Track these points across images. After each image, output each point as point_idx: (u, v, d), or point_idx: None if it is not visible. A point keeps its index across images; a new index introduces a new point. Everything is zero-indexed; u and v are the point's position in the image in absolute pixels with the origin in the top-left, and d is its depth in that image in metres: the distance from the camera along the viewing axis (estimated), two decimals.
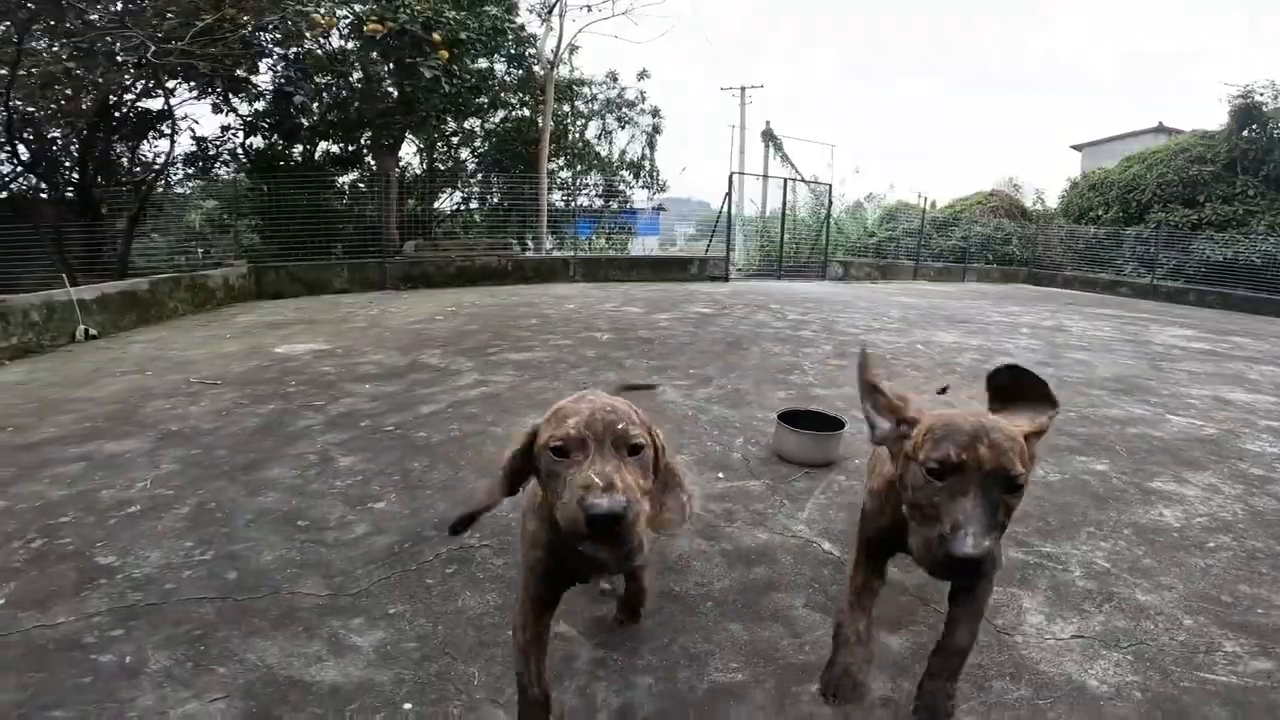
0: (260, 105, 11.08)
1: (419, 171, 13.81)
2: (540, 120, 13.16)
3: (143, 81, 9.50)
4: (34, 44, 8.22)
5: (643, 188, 15.54)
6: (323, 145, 12.24)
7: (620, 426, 1.11)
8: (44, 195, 10.15)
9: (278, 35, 9.92)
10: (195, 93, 10.22)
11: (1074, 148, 22.76)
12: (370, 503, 2.65)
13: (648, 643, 1.82)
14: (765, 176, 18.81)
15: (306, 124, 11.42)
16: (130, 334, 6.38)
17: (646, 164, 15.51)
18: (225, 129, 11.27)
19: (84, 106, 9.21)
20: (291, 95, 10.51)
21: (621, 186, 15.20)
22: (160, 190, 10.59)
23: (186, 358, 5.22)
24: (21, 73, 7.98)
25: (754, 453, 3.26)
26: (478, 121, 13.80)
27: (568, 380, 4.50)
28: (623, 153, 15.43)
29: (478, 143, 14.41)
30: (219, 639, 1.80)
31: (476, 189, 14.44)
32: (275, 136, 11.54)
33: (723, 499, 2.75)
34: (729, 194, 12.47)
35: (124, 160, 10.63)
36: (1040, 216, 18.40)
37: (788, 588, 2.12)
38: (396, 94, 10.92)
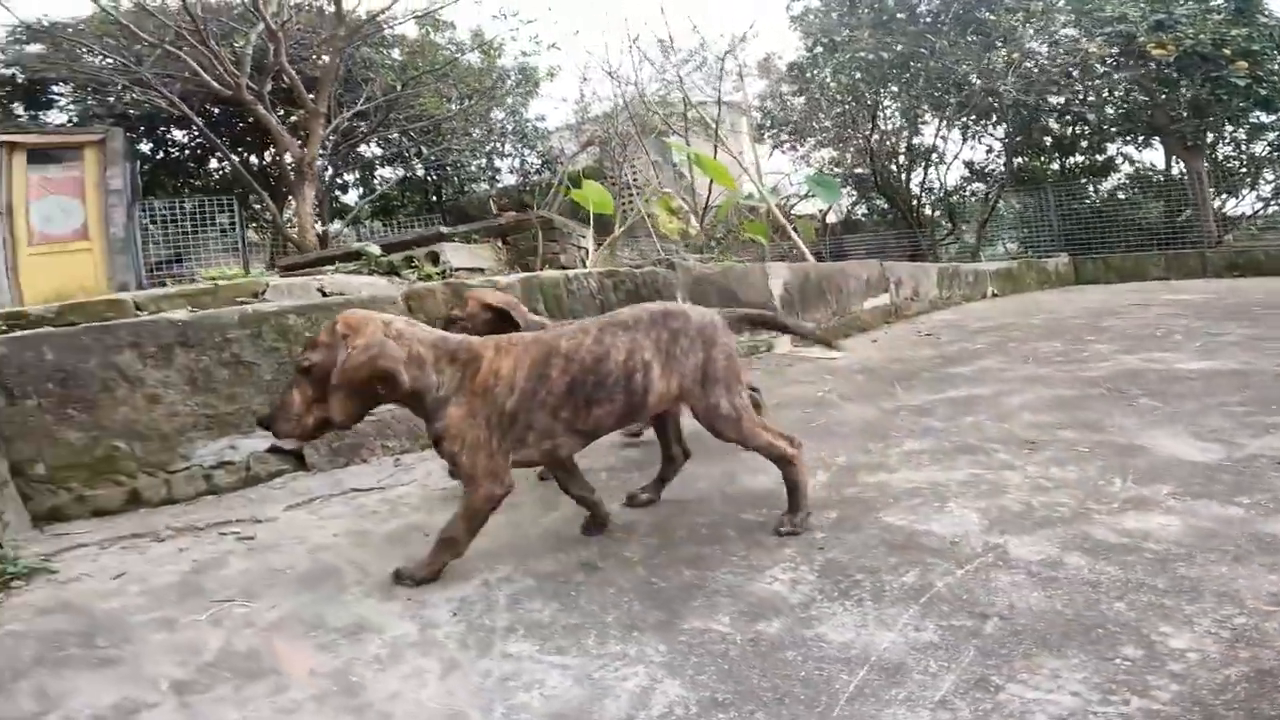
0: (1003, 128, 13.19)
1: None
2: None
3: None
4: None
5: None
6: (1071, 159, 13.83)
7: None
8: (870, 216, 15.66)
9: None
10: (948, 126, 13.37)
11: None
12: None
13: None
14: None
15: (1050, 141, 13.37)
16: (1010, 295, 8.79)
17: None
18: (989, 151, 13.82)
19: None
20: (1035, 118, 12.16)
21: None
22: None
23: (1080, 304, 7.08)
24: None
25: None
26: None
27: None
28: None
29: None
30: None
31: None
32: (1029, 154, 13.84)
33: None
34: None
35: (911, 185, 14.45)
36: None
37: None
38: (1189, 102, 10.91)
